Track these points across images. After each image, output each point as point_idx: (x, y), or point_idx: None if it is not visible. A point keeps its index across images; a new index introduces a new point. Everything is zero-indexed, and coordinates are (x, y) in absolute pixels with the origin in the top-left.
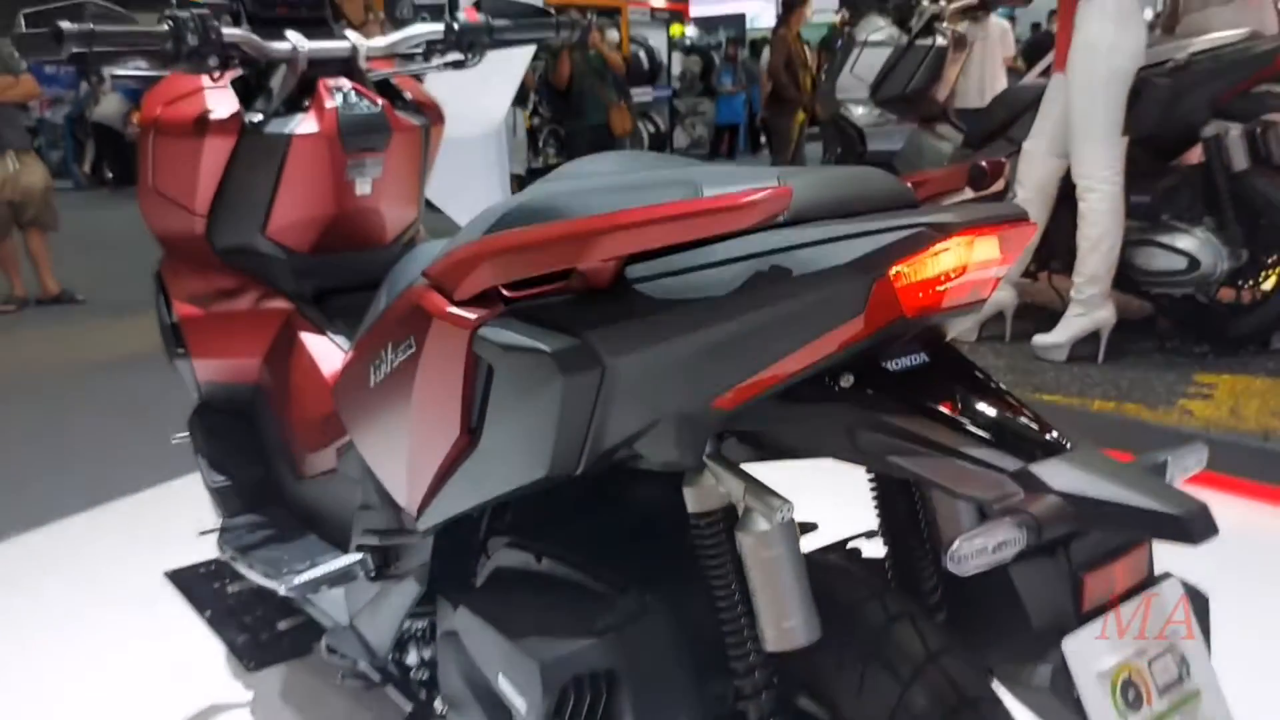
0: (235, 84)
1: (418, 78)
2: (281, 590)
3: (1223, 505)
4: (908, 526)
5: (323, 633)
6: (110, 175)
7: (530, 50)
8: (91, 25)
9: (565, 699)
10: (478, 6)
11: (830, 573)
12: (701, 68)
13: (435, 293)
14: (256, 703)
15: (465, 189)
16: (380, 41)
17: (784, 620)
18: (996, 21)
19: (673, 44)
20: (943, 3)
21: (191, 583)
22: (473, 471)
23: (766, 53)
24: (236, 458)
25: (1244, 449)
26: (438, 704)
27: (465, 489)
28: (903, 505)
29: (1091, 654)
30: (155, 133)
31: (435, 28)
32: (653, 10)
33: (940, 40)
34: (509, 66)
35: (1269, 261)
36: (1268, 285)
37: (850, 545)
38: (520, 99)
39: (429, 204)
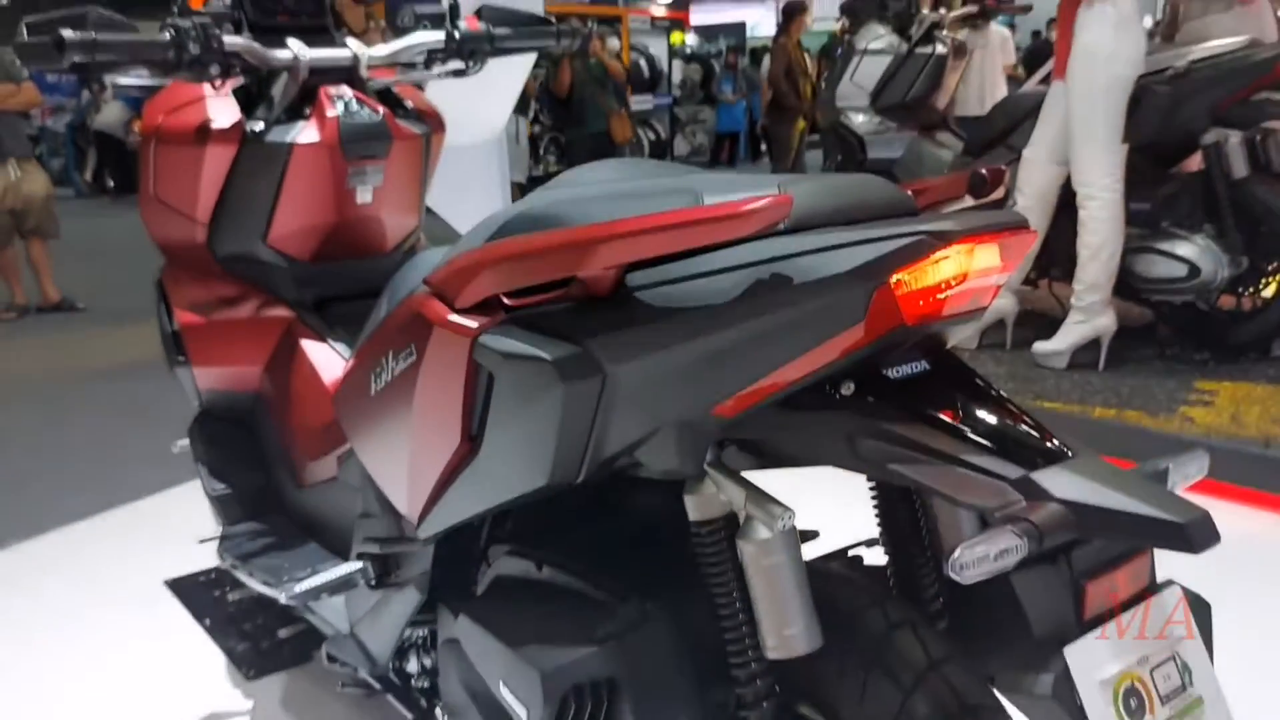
0: (237, 92)
1: (419, 86)
2: (282, 598)
3: (1224, 513)
4: (909, 534)
5: (323, 640)
6: (112, 183)
7: (531, 58)
8: (93, 34)
9: (566, 707)
10: (479, 15)
11: (831, 581)
12: (702, 76)
13: (436, 301)
14: (257, 710)
15: (466, 197)
16: (381, 50)
17: (785, 628)
18: (996, 29)
19: (673, 52)
20: (943, 11)
21: (191, 591)
22: (473, 479)
23: (767, 61)
24: (237, 465)
25: (1245, 456)
26: (438, 712)
27: (466, 497)
28: (904, 513)
29: (1094, 662)
30: (157, 141)
31: (436, 36)
32: (653, 18)
33: (940, 48)
34: (510, 75)
35: (1269, 268)
36: (1268, 292)
37: (851, 553)
38: (521, 107)
39: (430, 211)
